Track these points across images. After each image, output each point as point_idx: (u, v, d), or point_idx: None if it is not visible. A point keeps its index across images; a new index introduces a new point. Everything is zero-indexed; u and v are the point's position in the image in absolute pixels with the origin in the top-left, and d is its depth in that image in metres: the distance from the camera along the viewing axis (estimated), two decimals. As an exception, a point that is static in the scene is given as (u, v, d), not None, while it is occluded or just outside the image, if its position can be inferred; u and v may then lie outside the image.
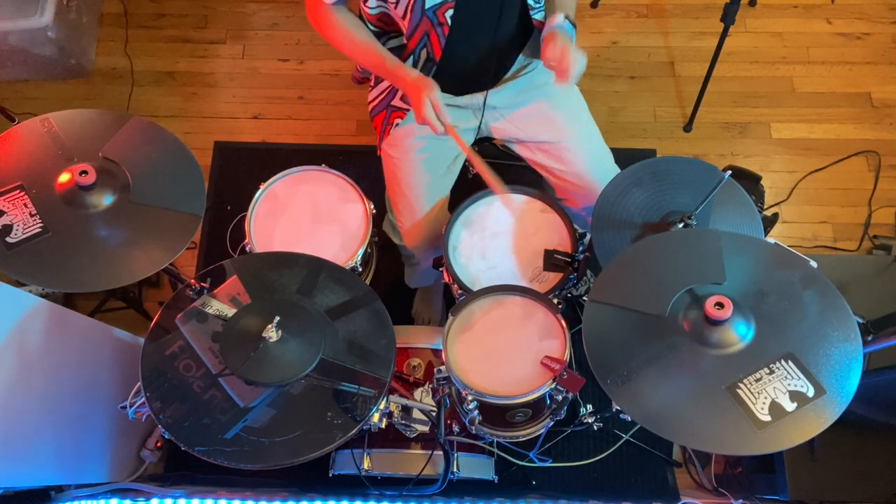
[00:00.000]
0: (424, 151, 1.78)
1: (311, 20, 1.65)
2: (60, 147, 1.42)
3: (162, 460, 2.19)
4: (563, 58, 1.49)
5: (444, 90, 1.69)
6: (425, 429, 1.64)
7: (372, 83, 1.83)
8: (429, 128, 1.71)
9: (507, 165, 2.39)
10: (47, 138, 1.42)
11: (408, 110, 1.74)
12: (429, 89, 1.54)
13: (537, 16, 1.62)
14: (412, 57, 1.63)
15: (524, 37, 1.69)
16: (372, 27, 1.65)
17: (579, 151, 1.76)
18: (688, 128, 2.66)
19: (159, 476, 2.14)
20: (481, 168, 1.61)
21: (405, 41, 1.61)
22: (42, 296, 1.92)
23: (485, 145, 2.11)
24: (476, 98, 1.75)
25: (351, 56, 1.67)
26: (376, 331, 1.40)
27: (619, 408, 1.26)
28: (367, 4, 1.57)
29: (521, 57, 1.74)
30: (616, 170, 1.76)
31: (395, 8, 1.55)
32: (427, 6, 1.50)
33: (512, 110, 1.79)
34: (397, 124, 1.76)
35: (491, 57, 1.66)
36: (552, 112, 1.75)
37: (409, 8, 1.51)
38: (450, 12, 1.52)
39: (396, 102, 1.77)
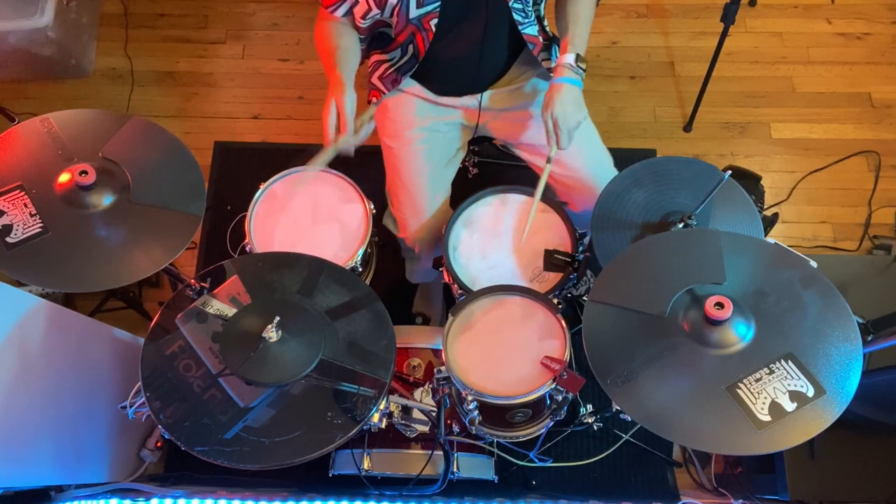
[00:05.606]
0: (425, 143, 1.79)
1: (315, 29, 1.70)
2: (60, 147, 1.42)
3: (162, 460, 2.19)
4: (556, 130, 1.58)
5: (432, 90, 1.77)
6: (425, 429, 1.63)
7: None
8: (428, 119, 1.78)
9: (506, 166, 2.40)
10: (47, 138, 1.42)
11: (383, 92, 1.77)
12: (339, 93, 1.55)
13: (527, 30, 1.64)
14: (400, 49, 1.67)
15: (516, 48, 1.72)
16: (363, 38, 1.70)
17: (579, 155, 1.76)
18: (688, 128, 2.66)
19: (159, 476, 2.14)
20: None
21: (393, 35, 1.65)
22: (42, 296, 1.92)
23: (484, 145, 2.11)
24: (471, 99, 1.77)
25: (319, 55, 1.68)
26: (376, 331, 1.40)
27: (619, 408, 1.26)
28: (362, 20, 1.62)
29: (516, 67, 1.76)
30: (615, 172, 1.77)
31: (382, 15, 1.60)
32: (412, 16, 1.56)
33: (510, 112, 1.80)
34: (374, 102, 1.79)
35: (478, 64, 1.70)
36: (582, 122, 1.75)
37: (396, 14, 1.56)
38: (434, 20, 1.57)
39: (375, 81, 1.79)
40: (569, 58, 1.59)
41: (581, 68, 1.59)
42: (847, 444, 1.79)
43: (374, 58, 1.77)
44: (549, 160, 1.64)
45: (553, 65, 1.66)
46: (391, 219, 1.94)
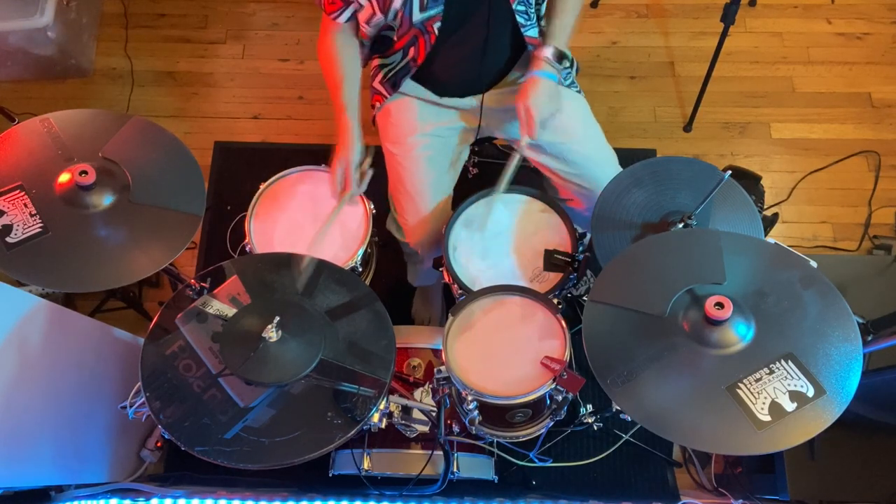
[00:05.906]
0: (428, 149, 1.79)
1: (319, 45, 1.71)
2: (60, 147, 1.42)
3: (162, 460, 2.19)
4: (528, 119, 1.61)
5: (433, 91, 1.78)
6: (425, 429, 1.63)
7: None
8: (430, 124, 1.78)
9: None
10: (47, 138, 1.42)
11: (385, 96, 1.78)
12: (348, 151, 1.68)
13: (529, 32, 1.65)
14: (401, 52, 1.67)
15: (518, 49, 1.72)
16: (366, 42, 1.71)
17: (583, 153, 1.76)
18: (688, 128, 2.66)
19: (159, 476, 2.14)
20: None
21: (395, 38, 1.65)
22: (42, 296, 1.92)
23: (485, 145, 2.11)
24: (472, 100, 1.77)
25: (324, 75, 1.73)
26: (376, 331, 1.40)
27: (619, 408, 1.26)
28: (366, 25, 1.63)
29: (518, 67, 1.76)
30: (619, 170, 1.77)
31: (386, 19, 1.60)
32: (416, 19, 1.56)
33: (511, 111, 1.79)
34: (377, 107, 1.80)
35: (480, 66, 1.70)
36: (555, 114, 1.76)
37: (400, 18, 1.57)
38: (438, 24, 1.57)
39: (377, 85, 1.79)
40: (547, 51, 1.61)
41: (559, 62, 1.61)
42: (847, 444, 1.79)
43: (376, 62, 1.77)
44: (520, 147, 1.68)
45: None
46: (395, 224, 1.95)
